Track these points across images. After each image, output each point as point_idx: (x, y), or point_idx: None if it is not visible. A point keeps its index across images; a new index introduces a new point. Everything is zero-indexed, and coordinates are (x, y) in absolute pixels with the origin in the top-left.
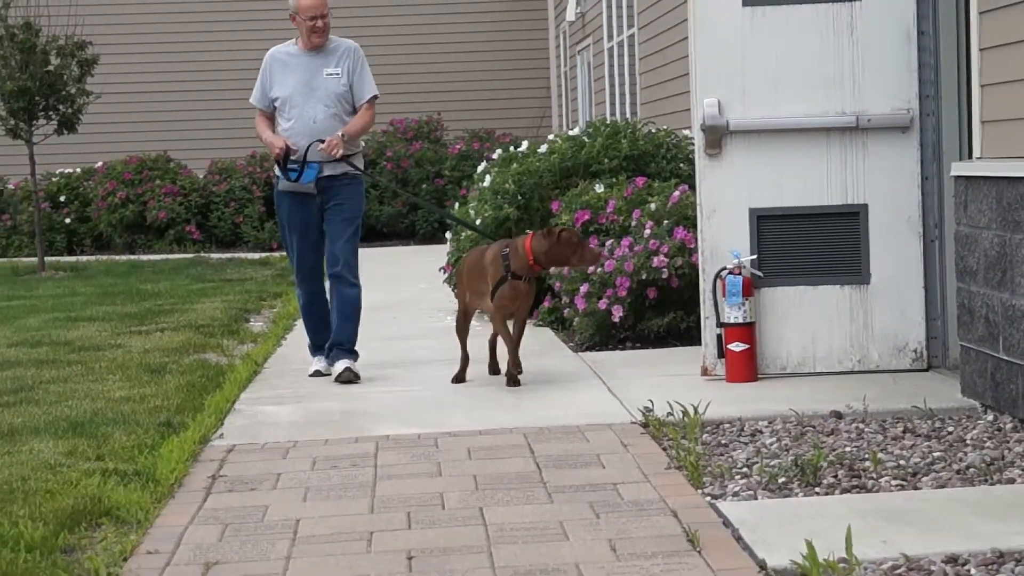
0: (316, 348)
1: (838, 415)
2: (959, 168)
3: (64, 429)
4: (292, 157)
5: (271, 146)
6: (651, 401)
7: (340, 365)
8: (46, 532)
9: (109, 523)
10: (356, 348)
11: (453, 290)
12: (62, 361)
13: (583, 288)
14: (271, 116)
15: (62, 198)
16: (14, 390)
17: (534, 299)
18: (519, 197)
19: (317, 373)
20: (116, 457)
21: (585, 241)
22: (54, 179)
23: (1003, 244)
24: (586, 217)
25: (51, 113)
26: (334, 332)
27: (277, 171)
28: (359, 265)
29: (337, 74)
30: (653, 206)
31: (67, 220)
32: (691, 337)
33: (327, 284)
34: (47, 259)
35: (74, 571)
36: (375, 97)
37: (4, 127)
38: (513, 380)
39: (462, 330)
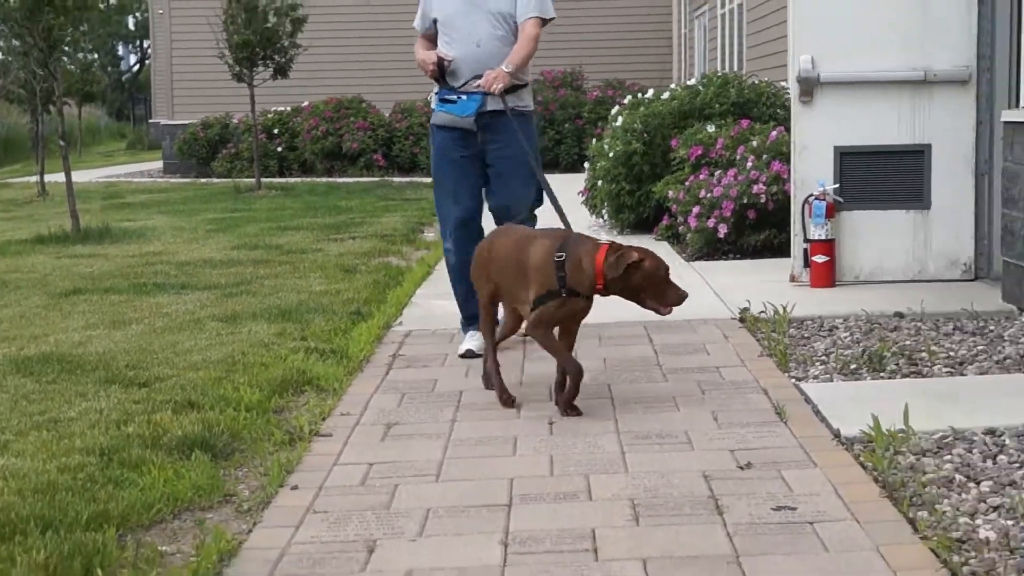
0: (468, 321)
1: (900, 315)
2: (1008, 115)
3: (275, 315)
4: (453, 83)
5: (423, 65)
6: (748, 301)
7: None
8: (261, 396)
9: (311, 390)
10: None
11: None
12: (274, 261)
13: (695, 210)
14: (432, 40)
15: (275, 131)
16: (236, 283)
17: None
18: (644, 135)
19: (469, 353)
20: (316, 338)
21: (670, 281)
22: (269, 115)
23: None
24: (699, 152)
25: (268, 62)
26: None
27: (433, 100)
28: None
29: None
30: (755, 143)
31: (279, 149)
32: (782, 250)
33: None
34: (263, 180)
35: (283, 427)
36: (542, 19)
37: (231, 72)
38: (569, 407)
39: (486, 325)
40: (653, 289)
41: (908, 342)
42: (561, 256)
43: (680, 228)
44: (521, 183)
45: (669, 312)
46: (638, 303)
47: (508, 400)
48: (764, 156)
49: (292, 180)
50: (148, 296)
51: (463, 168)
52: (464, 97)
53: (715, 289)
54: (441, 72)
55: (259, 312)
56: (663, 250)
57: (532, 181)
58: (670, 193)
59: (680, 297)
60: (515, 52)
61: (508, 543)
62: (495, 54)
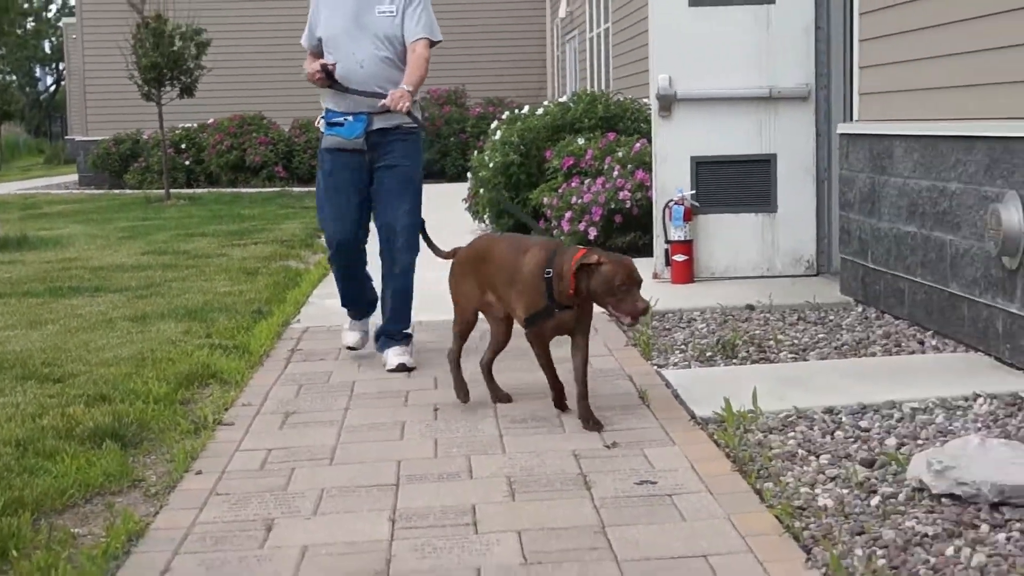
0: (356, 314)
1: (751, 307)
2: (843, 128)
3: (182, 315)
4: (337, 104)
5: (310, 76)
6: None
7: (394, 359)
8: (168, 389)
9: (215, 383)
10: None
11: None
12: (181, 265)
13: (567, 215)
14: (321, 57)
15: (183, 146)
16: (146, 286)
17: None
18: (521, 147)
19: (351, 348)
20: (221, 335)
21: (634, 289)
22: (177, 131)
23: (873, 183)
24: (570, 162)
25: (175, 82)
26: (388, 319)
27: (322, 125)
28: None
29: (391, 13)
30: (620, 154)
31: (187, 162)
32: (646, 251)
33: (371, 251)
34: (171, 191)
35: (189, 417)
36: (431, 41)
37: (140, 92)
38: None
39: (463, 330)
40: (611, 295)
41: (758, 331)
42: (550, 272)
43: (555, 232)
44: (404, 208)
45: (630, 322)
46: (606, 309)
47: (465, 396)
48: (629, 166)
49: (199, 191)
50: (64, 298)
51: (349, 192)
52: (350, 119)
53: None
54: (329, 77)
55: (167, 312)
56: None
57: (415, 206)
58: (545, 200)
59: (637, 308)
60: (411, 72)
61: (396, 519)
62: (378, 74)
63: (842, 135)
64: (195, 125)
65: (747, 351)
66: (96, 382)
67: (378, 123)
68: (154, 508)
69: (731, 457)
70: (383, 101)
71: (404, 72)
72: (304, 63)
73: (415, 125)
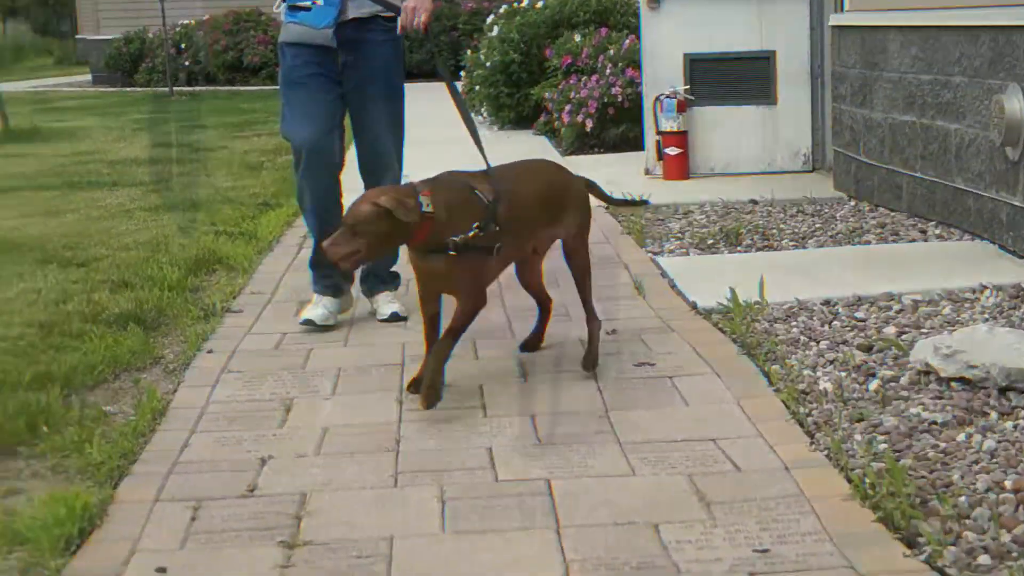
0: (330, 286)
1: (754, 202)
2: (835, 19)
3: (188, 206)
4: None
5: None
6: (610, 191)
7: (386, 307)
8: (179, 275)
9: (222, 269)
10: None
11: None
12: (186, 160)
13: (567, 107)
14: None
15: (182, 45)
16: (154, 181)
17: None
18: (521, 44)
19: (309, 323)
20: (226, 224)
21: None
22: (177, 29)
23: (864, 77)
24: (568, 61)
25: None
26: None
27: (281, 10)
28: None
29: None
30: (611, 52)
31: (186, 63)
32: (637, 144)
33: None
34: (174, 88)
35: (199, 305)
36: None
37: None
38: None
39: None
40: None
41: (761, 222)
42: None
43: (555, 124)
44: (385, 128)
45: None
46: None
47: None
48: (619, 64)
49: (199, 88)
50: (82, 192)
51: (316, 85)
52: (320, 2)
53: None
54: None
55: (174, 204)
56: (541, 146)
57: (399, 124)
58: (546, 95)
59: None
60: None
61: (402, 400)
62: None
63: (834, 28)
64: (192, 22)
65: (751, 239)
66: (119, 267)
67: (353, 11)
68: (172, 385)
69: (737, 343)
70: (399, 18)
71: None
72: None
73: (394, 15)
